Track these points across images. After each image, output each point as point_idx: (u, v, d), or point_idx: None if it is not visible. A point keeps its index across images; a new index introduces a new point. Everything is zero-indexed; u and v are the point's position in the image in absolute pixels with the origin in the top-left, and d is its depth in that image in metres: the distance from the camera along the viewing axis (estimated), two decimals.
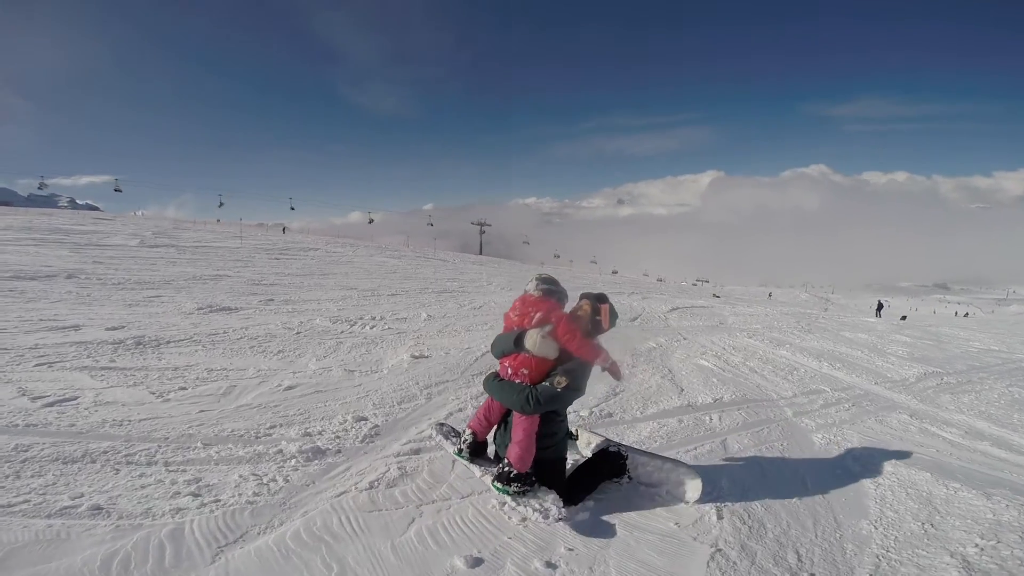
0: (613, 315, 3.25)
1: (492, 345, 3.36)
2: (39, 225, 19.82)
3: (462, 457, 3.36)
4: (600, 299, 3.25)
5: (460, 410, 4.64)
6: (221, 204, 43.72)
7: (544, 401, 3.03)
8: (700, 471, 3.34)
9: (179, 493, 2.91)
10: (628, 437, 4.24)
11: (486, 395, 3.34)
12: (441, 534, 2.75)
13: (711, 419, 4.90)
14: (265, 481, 3.14)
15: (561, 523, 2.89)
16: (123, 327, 6.84)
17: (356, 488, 3.14)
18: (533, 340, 3.08)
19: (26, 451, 3.22)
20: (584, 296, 3.31)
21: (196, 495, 2.91)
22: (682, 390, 5.85)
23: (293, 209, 50.02)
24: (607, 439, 3.65)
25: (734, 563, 2.65)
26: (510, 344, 3.17)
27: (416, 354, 6.52)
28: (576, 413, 4.72)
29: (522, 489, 2.99)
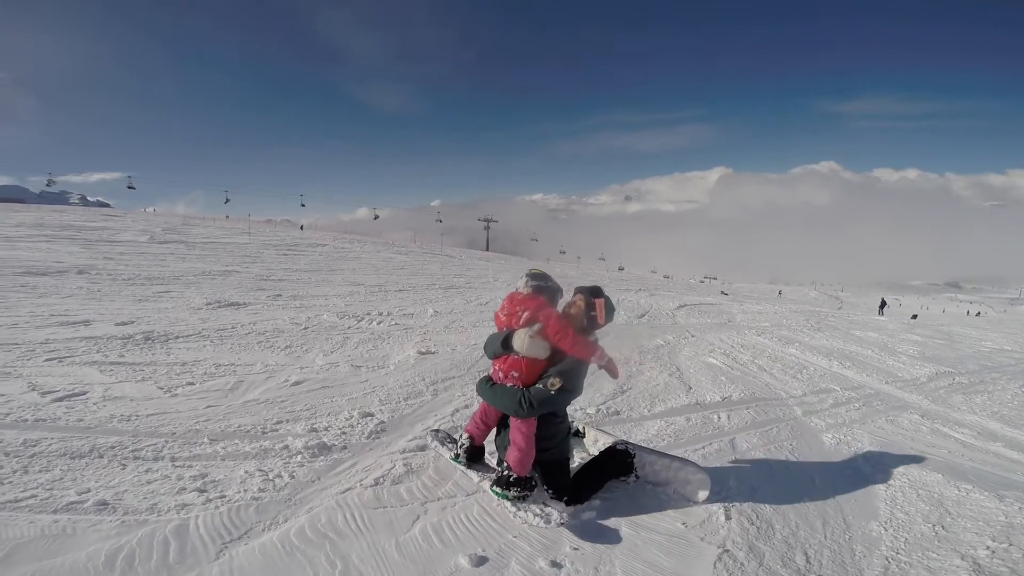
0: (609, 309, 3.18)
1: (484, 346, 3.29)
2: (51, 222, 20.01)
3: (459, 462, 3.30)
4: (594, 292, 3.17)
5: (466, 407, 4.62)
6: (227, 201, 44.08)
7: (538, 404, 2.95)
8: (708, 470, 3.31)
9: (185, 489, 2.91)
10: (635, 435, 4.21)
11: None
12: (446, 532, 2.73)
13: (719, 418, 4.86)
14: (271, 477, 3.14)
15: (562, 516, 2.87)
16: (132, 322, 6.89)
17: (361, 484, 3.13)
18: (521, 340, 3.01)
19: (35, 446, 3.24)
20: (578, 290, 3.24)
21: (202, 491, 2.90)
22: (690, 388, 5.80)
23: (304, 206, 50.42)
24: (614, 437, 3.62)
25: (742, 564, 2.62)
26: (499, 346, 3.10)
27: (422, 350, 6.51)
28: (583, 411, 4.70)
29: (522, 494, 2.91)
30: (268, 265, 15.49)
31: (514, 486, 2.92)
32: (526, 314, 3.08)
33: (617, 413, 4.82)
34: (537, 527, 2.78)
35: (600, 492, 3.23)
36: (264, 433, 3.78)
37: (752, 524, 2.98)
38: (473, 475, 3.21)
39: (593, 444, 3.65)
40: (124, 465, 3.14)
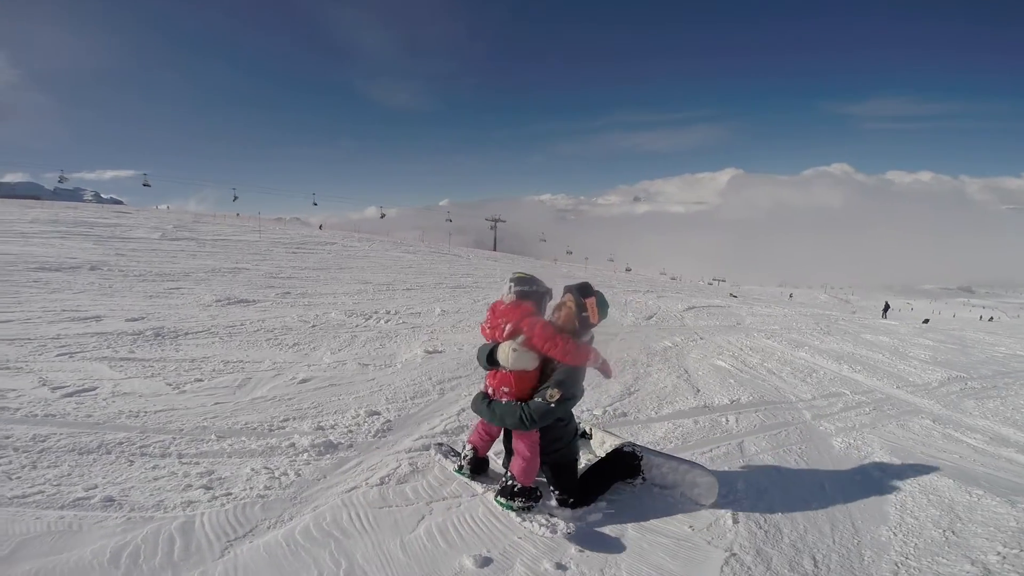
0: (603, 306, 3.06)
1: (476, 357, 3.20)
2: (65, 218, 20.25)
3: (462, 474, 3.24)
4: (584, 291, 3.04)
5: None
6: (235, 198, 44.54)
7: (539, 417, 2.90)
8: (716, 473, 3.28)
9: (191, 486, 2.92)
10: (642, 437, 4.17)
11: None
12: (451, 532, 2.72)
13: (728, 421, 4.82)
14: (277, 475, 3.14)
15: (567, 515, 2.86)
16: (143, 318, 6.95)
17: (367, 483, 3.12)
18: (505, 355, 2.93)
19: (43, 441, 3.26)
20: (567, 289, 3.12)
21: (208, 488, 2.91)
22: (698, 391, 5.76)
23: (316, 204, 50.84)
24: (621, 439, 3.59)
25: (749, 568, 2.59)
26: (484, 360, 3.04)
27: (430, 349, 6.52)
28: (589, 412, 4.68)
29: (526, 504, 2.87)
30: (277, 263, 15.58)
31: (519, 496, 2.88)
32: (508, 326, 2.99)
33: (624, 415, 4.79)
34: (543, 536, 2.72)
35: (606, 494, 3.21)
36: (271, 431, 3.79)
37: (760, 528, 2.95)
38: (478, 487, 3.14)
39: (600, 446, 3.63)
40: (131, 461, 3.16)
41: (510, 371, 2.97)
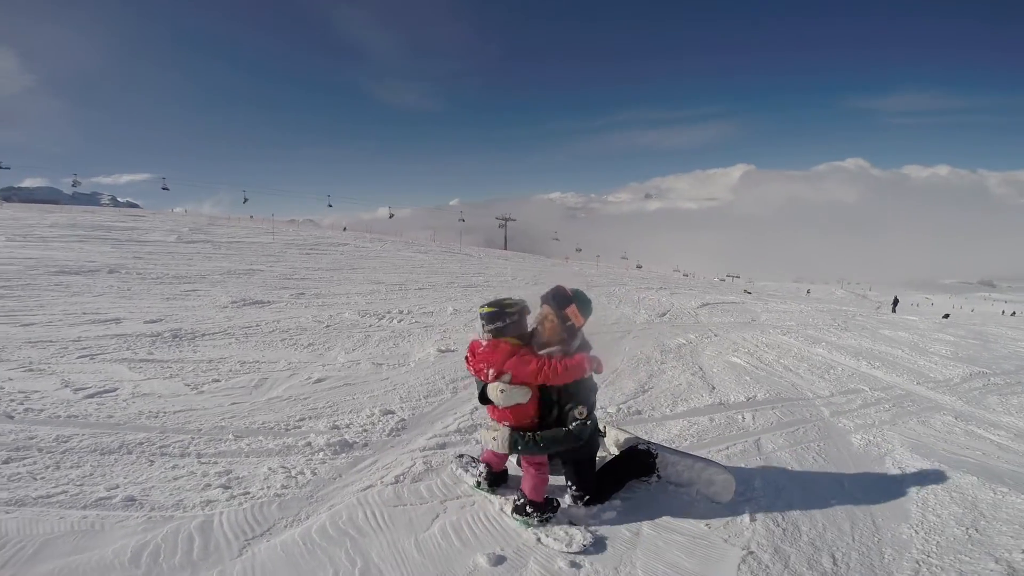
0: (585, 306, 3.01)
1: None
2: (83, 222, 20.61)
3: (481, 490, 3.17)
4: (561, 301, 2.97)
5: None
6: (245, 200, 45.21)
7: (585, 436, 2.93)
8: (732, 471, 3.25)
9: (210, 485, 2.96)
10: (657, 435, 4.15)
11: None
12: (465, 531, 2.73)
13: (744, 418, 4.77)
14: (293, 474, 3.18)
15: (586, 527, 2.82)
16: (161, 320, 7.04)
17: (382, 482, 3.14)
18: (496, 396, 2.89)
19: (66, 442, 3.33)
20: (544, 301, 3.03)
21: (226, 487, 2.95)
22: (713, 388, 5.71)
23: (331, 206, 51.46)
24: (636, 437, 3.57)
25: (766, 566, 2.56)
26: (479, 399, 3.01)
27: (443, 348, 6.54)
28: (603, 410, 4.65)
29: (544, 517, 2.83)
30: (291, 264, 15.72)
31: (535, 512, 2.84)
32: (491, 371, 2.91)
33: (639, 412, 4.76)
34: (560, 550, 2.65)
35: (621, 492, 3.19)
36: (287, 430, 3.83)
37: (778, 526, 2.92)
38: (496, 500, 3.07)
39: (614, 443, 3.61)
40: (152, 461, 3.21)
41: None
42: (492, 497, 3.10)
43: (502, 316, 2.95)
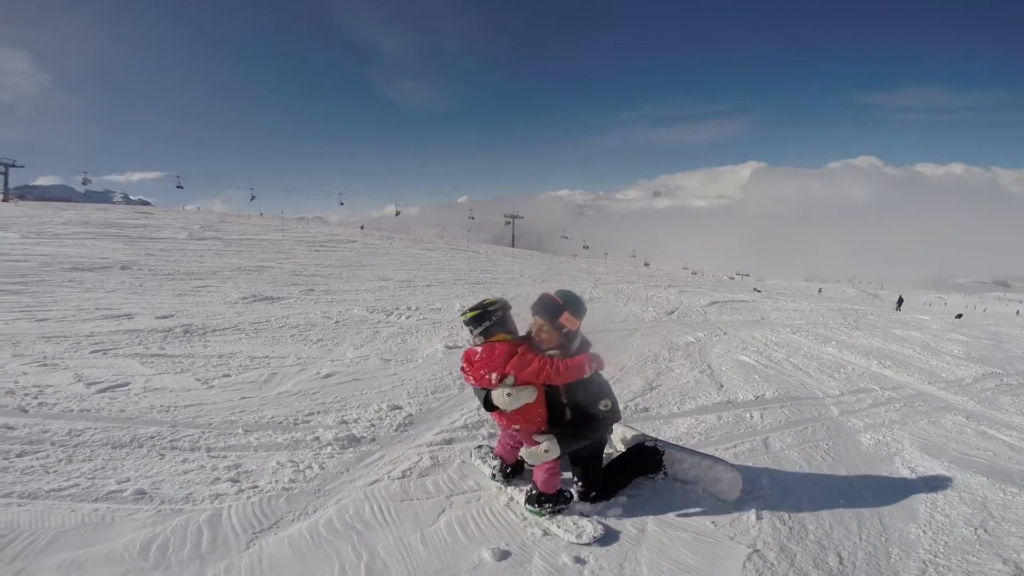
0: (577, 310, 2.99)
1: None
2: (96, 219, 20.84)
3: (496, 482, 3.21)
4: (552, 311, 2.95)
5: None
6: (253, 198, 45.67)
7: (616, 414, 3.07)
8: (740, 469, 3.24)
9: (219, 479, 3.00)
10: (664, 432, 4.14)
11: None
12: (470, 525, 2.74)
13: (752, 416, 4.74)
14: (301, 468, 3.20)
15: (596, 519, 2.83)
16: (172, 316, 7.12)
17: (389, 477, 3.17)
18: (502, 400, 2.86)
19: (79, 436, 3.37)
20: (534, 312, 3.03)
21: (235, 481, 2.98)
22: (721, 386, 5.68)
23: (343, 204, 51.84)
24: (643, 434, 3.57)
25: (772, 565, 2.55)
26: (483, 406, 2.99)
27: (450, 344, 6.56)
28: None
29: (556, 508, 2.85)
30: (301, 261, 15.81)
31: (547, 503, 2.86)
32: (494, 375, 2.87)
33: (646, 410, 4.76)
34: (567, 542, 2.67)
35: (627, 489, 3.19)
36: (296, 424, 3.87)
37: (784, 524, 2.91)
38: (512, 491, 3.08)
39: (621, 440, 3.61)
40: (162, 455, 3.25)
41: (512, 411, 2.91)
42: (506, 488, 3.13)
43: (487, 316, 2.94)
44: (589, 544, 2.64)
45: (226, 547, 2.43)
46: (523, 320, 3.17)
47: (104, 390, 4.23)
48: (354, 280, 12.69)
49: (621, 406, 4.67)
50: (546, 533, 2.72)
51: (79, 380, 4.40)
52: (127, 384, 4.42)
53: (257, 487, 2.94)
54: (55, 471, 2.95)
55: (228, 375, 4.88)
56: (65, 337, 5.66)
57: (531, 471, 3.02)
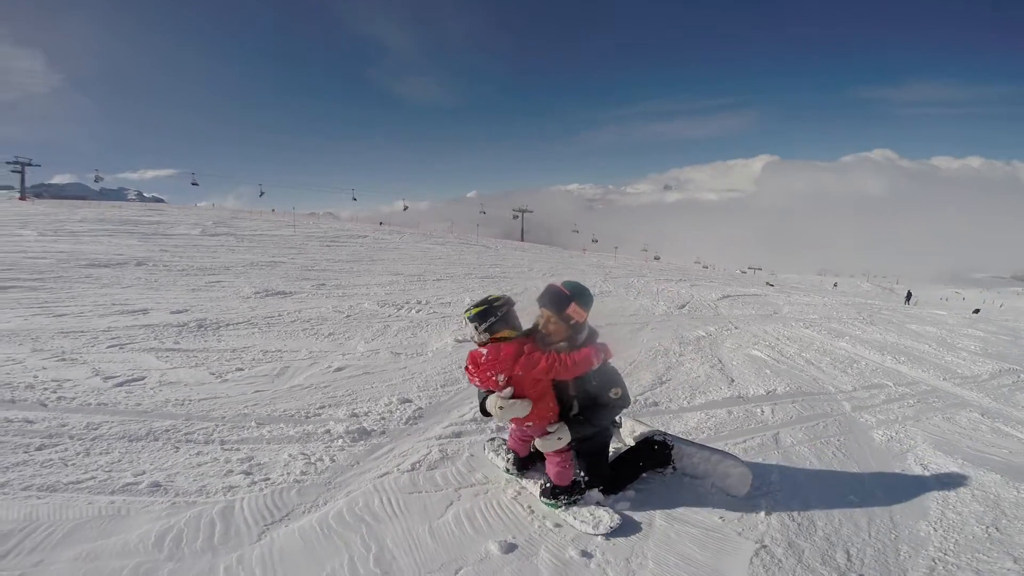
0: (584, 301, 2.94)
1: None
2: (111, 217, 21.12)
3: (511, 475, 3.22)
4: (559, 302, 2.90)
5: None
6: (262, 194, 46.16)
7: (624, 404, 3.05)
8: (749, 464, 3.22)
9: (232, 471, 3.05)
10: (674, 427, 4.14)
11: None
12: (478, 518, 2.77)
13: (763, 411, 4.71)
14: (313, 460, 3.25)
15: (609, 509, 2.84)
16: (187, 310, 7.23)
17: (398, 469, 3.20)
18: (496, 413, 2.84)
19: (96, 429, 3.45)
20: (541, 304, 2.99)
21: (248, 473, 3.03)
22: (732, 380, 5.65)
23: (355, 200, 52.26)
24: (652, 428, 3.56)
25: (779, 561, 2.55)
26: (480, 411, 3.01)
27: (460, 338, 6.58)
28: None
29: (572, 499, 2.87)
30: (312, 256, 15.92)
31: (562, 495, 2.88)
32: (501, 377, 2.82)
33: (655, 404, 4.75)
34: (575, 535, 2.68)
35: (636, 483, 3.19)
36: (307, 417, 3.92)
37: (793, 520, 2.89)
38: (527, 484, 3.10)
39: (630, 434, 3.61)
40: (177, 448, 3.31)
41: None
42: (521, 481, 3.15)
43: (492, 312, 2.89)
44: (607, 535, 2.65)
45: (238, 539, 2.47)
46: (531, 315, 3.17)
47: (121, 384, 4.32)
48: (365, 275, 12.77)
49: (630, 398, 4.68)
50: (560, 525, 2.74)
51: (96, 374, 4.49)
52: (143, 378, 4.50)
53: (269, 479, 2.99)
54: (73, 464, 3.02)
55: (241, 369, 4.96)
56: (83, 332, 5.77)
57: (544, 465, 3.03)
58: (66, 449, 3.17)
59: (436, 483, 3.09)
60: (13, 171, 43.61)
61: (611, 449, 3.36)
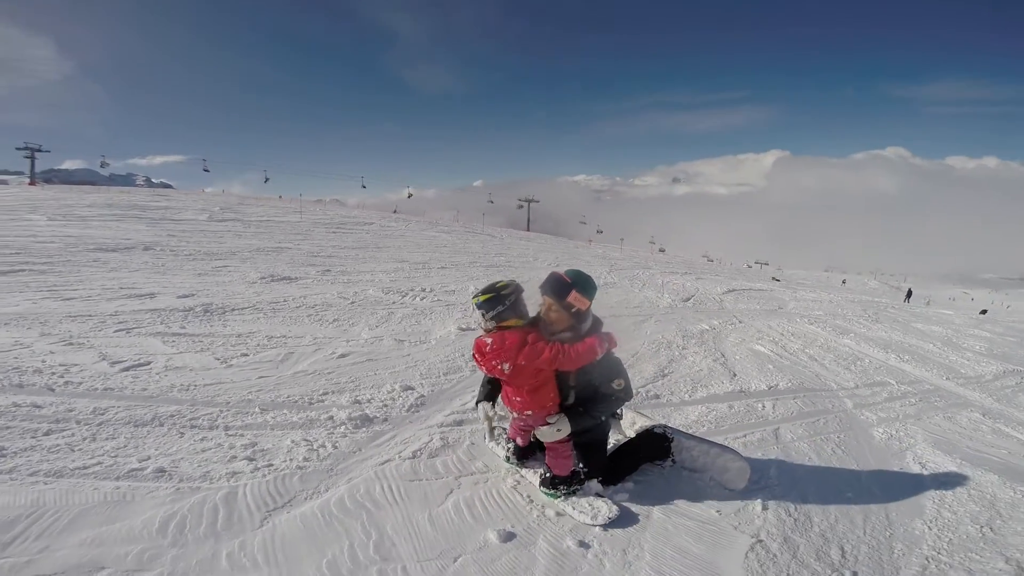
0: (587, 289, 2.92)
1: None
2: (119, 202, 21.17)
3: (511, 463, 3.24)
4: (560, 290, 2.89)
5: None
6: (267, 180, 46.31)
7: (626, 396, 3.05)
8: (748, 459, 3.24)
9: (236, 457, 3.09)
10: (674, 420, 4.15)
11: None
12: (477, 507, 2.80)
13: (764, 406, 4.73)
14: (315, 447, 3.29)
15: (607, 500, 2.87)
16: (193, 295, 7.28)
17: (400, 457, 3.24)
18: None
19: (103, 414, 3.49)
20: (543, 292, 2.97)
21: (251, 459, 3.07)
22: (734, 375, 5.66)
23: (364, 187, 52.41)
24: (652, 420, 3.57)
25: (774, 555, 2.57)
26: (476, 403, 3.13)
27: (463, 326, 6.62)
28: None
29: (571, 489, 2.90)
30: (318, 242, 15.94)
31: (561, 485, 2.91)
32: (506, 365, 2.82)
33: (657, 397, 4.77)
34: (574, 525, 2.71)
35: (634, 475, 3.22)
36: (311, 404, 3.96)
37: (789, 515, 2.91)
38: (527, 474, 3.14)
39: (630, 426, 3.63)
40: (182, 433, 3.35)
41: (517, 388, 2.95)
42: (520, 470, 3.18)
43: (500, 300, 2.87)
44: (605, 525, 2.68)
45: (240, 525, 2.51)
46: (535, 303, 3.18)
47: (127, 368, 4.36)
48: (370, 261, 12.81)
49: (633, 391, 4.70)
50: (559, 515, 2.77)
51: (103, 359, 4.53)
52: (149, 363, 4.55)
53: (272, 465, 3.03)
54: (80, 449, 3.05)
55: (246, 354, 5.00)
56: (90, 316, 5.82)
57: (544, 454, 3.06)
58: (73, 434, 3.20)
59: (437, 471, 3.13)
60: (24, 156, 43.80)
61: (611, 440, 3.38)
